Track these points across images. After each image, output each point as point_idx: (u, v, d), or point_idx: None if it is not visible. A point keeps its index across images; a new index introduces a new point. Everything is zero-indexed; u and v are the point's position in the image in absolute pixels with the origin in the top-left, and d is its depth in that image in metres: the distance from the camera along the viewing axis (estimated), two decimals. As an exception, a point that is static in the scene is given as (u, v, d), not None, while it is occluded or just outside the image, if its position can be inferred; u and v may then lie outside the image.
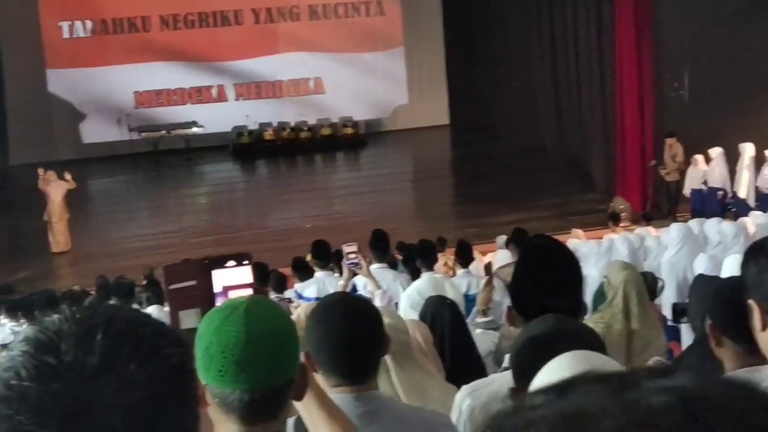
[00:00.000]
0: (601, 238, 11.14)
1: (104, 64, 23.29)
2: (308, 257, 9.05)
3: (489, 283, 5.86)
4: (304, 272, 8.59)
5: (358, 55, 24.67)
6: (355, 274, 6.11)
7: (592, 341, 2.07)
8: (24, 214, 18.54)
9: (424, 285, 6.50)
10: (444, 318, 4.43)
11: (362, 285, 6.77)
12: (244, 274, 3.22)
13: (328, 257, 8.62)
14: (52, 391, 1.01)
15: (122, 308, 1.13)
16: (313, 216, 17.49)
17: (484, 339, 5.12)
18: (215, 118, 23.33)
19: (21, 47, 22.27)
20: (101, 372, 1.03)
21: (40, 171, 17.20)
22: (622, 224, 13.92)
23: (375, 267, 8.04)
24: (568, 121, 19.14)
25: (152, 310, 7.78)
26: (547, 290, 2.63)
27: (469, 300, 7.22)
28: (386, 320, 2.51)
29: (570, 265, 2.77)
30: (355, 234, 12.95)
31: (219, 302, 2.91)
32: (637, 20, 16.06)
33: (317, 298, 7.85)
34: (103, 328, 1.06)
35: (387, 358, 2.87)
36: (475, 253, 10.42)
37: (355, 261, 5.75)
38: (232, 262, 3.21)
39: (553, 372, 1.71)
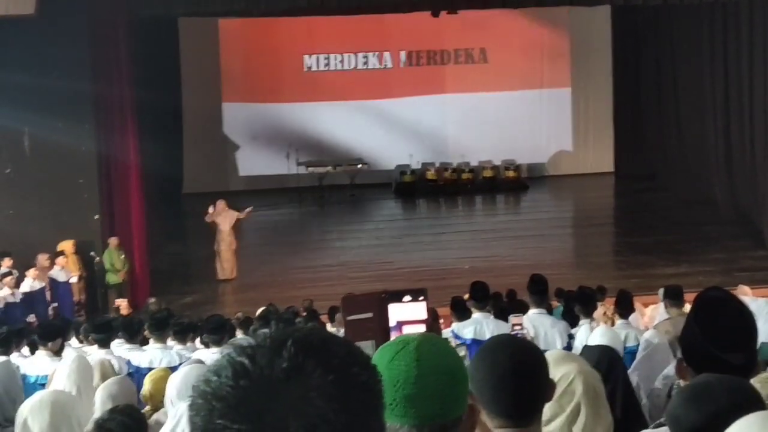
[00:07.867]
0: (769, 296, 10.68)
1: (277, 101, 24.11)
2: (466, 297, 9.07)
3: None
4: (462, 312, 8.62)
5: (524, 99, 24.60)
6: None
7: (749, 394, 2.02)
8: (193, 242, 19.30)
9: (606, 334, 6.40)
10: (618, 370, 4.39)
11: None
12: (419, 309, 3.23)
13: (487, 299, 8.63)
14: (242, 387, 1.13)
15: (324, 331, 1.23)
16: (470, 257, 17.47)
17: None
18: (380, 156, 23.79)
19: (200, 81, 23.35)
20: (286, 377, 1.13)
21: (212, 208, 17.23)
22: (793, 283, 13.31)
23: (533, 312, 8.00)
24: (739, 174, 18.45)
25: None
26: (720, 343, 2.57)
27: (627, 352, 7.08)
28: (585, 367, 2.50)
29: (745, 318, 2.69)
30: (512, 278, 12.96)
31: (393, 336, 2.95)
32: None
33: (474, 340, 7.88)
34: (295, 339, 1.16)
35: (582, 401, 2.87)
36: (636, 305, 10.20)
37: (521, 333, 5.79)
38: (408, 297, 3.22)
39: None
